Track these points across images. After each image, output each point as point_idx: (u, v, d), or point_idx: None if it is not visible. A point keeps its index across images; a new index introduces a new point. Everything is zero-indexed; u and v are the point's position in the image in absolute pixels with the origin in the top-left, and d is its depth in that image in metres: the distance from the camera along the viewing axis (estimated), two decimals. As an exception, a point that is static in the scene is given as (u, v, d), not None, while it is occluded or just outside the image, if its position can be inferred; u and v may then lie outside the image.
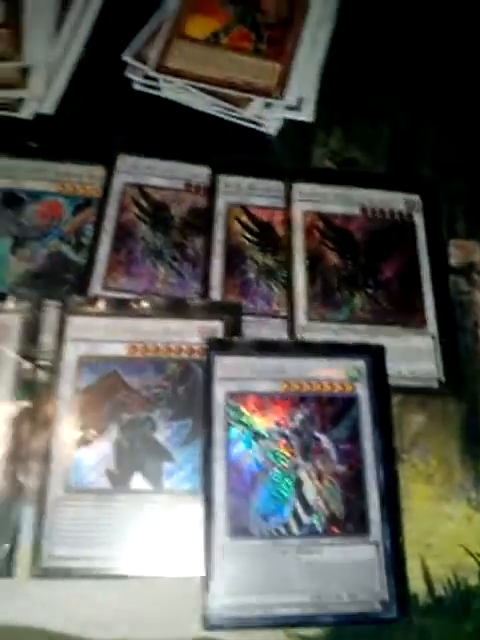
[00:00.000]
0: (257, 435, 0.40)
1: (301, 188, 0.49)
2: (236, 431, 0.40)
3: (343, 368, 0.42)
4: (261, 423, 0.40)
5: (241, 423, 0.40)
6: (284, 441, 0.40)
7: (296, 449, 0.40)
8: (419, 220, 0.49)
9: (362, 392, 0.42)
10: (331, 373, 0.42)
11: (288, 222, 0.48)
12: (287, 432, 0.40)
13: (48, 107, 0.53)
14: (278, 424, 0.40)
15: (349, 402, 0.41)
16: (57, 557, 0.37)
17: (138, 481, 0.39)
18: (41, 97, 0.53)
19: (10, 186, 0.49)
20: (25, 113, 0.53)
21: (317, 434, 0.40)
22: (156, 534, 0.38)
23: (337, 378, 0.42)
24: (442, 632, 0.37)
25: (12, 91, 0.53)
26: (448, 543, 0.40)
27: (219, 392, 0.40)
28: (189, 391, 0.41)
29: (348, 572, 0.37)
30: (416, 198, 0.50)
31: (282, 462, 0.39)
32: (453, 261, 0.49)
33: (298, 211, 0.48)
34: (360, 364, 0.42)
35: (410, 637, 0.37)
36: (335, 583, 0.37)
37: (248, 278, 0.46)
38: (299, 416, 0.40)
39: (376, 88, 0.56)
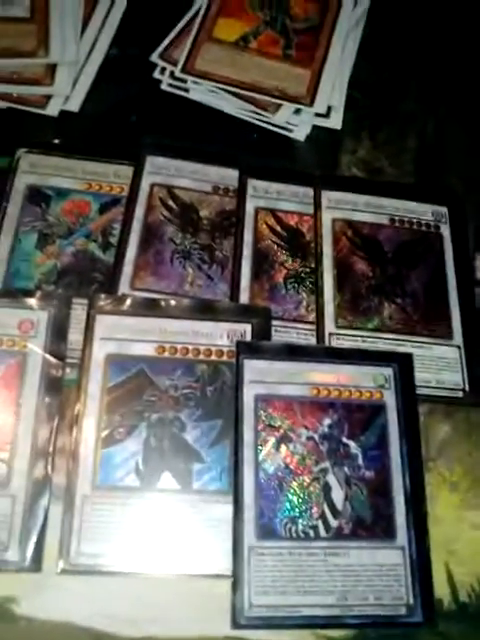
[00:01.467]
0: (286, 438, 0.42)
1: (330, 195, 0.52)
2: (265, 434, 0.42)
3: (371, 375, 0.44)
4: (290, 426, 0.42)
5: (270, 426, 0.42)
6: (313, 445, 0.42)
7: (324, 454, 0.42)
8: (446, 232, 0.52)
9: (390, 400, 0.44)
10: (360, 380, 0.44)
11: (316, 229, 0.50)
12: (316, 437, 0.42)
13: (74, 105, 0.56)
14: (307, 428, 0.43)
15: (377, 409, 0.44)
16: (84, 554, 0.39)
17: (167, 480, 0.41)
18: (67, 94, 0.56)
19: (36, 183, 0.51)
20: (51, 110, 0.55)
21: (345, 440, 0.43)
22: (184, 533, 0.40)
23: (365, 385, 0.44)
24: (466, 638, 0.40)
25: (38, 88, 0.56)
26: (472, 550, 0.42)
27: (248, 395, 0.43)
28: (218, 392, 0.44)
29: (374, 575, 0.40)
30: (444, 210, 0.53)
31: (311, 466, 0.42)
32: (478, 274, 0.52)
33: (327, 218, 0.51)
34: (388, 372, 0.45)
35: (435, 642, 0.40)
36: (361, 585, 0.39)
37: (276, 282, 0.49)
38: (327, 421, 0.43)
39: (404, 96, 0.59)
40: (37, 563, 0.39)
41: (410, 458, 0.43)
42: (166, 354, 0.44)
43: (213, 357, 0.44)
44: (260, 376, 0.43)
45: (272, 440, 0.42)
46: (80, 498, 0.40)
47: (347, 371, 0.44)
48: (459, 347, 0.48)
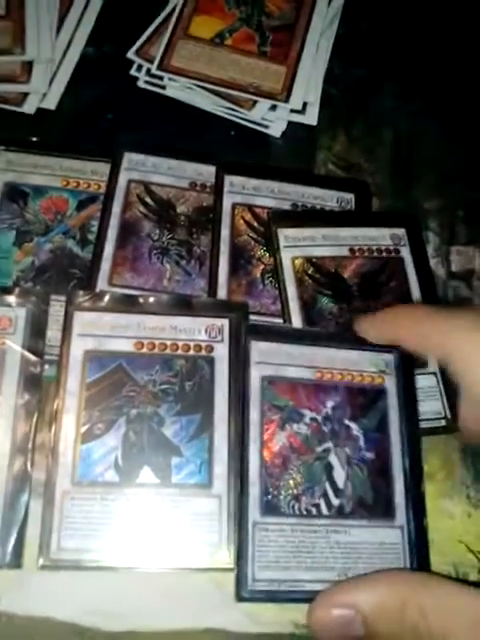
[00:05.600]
0: (290, 419, 0.42)
1: (286, 233, 0.50)
2: (270, 414, 0.42)
3: (373, 360, 0.45)
4: (294, 407, 0.43)
5: (276, 406, 0.42)
6: (316, 426, 0.43)
7: (327, 435, 0.42)
8: (406, 254, 0.50)
9: (390, 385, 0.44)
10: (362, 365, 0.44)
11: (277, 272, 0.48)
12: (319, 418, 0.43)
13: (51, 102, 0.55)
14: (310, 409, 0.43)
15: (378, 393, 0.44)
16: (65, 549, 0.39)
17: (146, 475, 0.41)
18: (44, 92, 0.55)
19: (14, 180, 0.50)
20: (27, 108, 0.55)
21: (347, 422, 0.43)
22: (165, 527, 0.40)
23: (367, 370, 0.44)
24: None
25: (15, 85, 0.55)
26: (449, 540, 0.42)
27: (255, 375, 0.43)
28: (196, 387, 0.43)
29: (374, 553, 0.40)
30: (402, 232, 0.51)
31: (314, 446, 0.42)
32: (453, 267, 0.52)
33: (286, 258, 0.49)
34: (388, 357, 0.45)
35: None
36: (362, 563, 0.40)
37: (254, 278, 0.49)
38: (331, 403, 0.43)
39: (379, 92, 0.59)
40: (17, 559, 0.38)
41: (409, 441, 0.43)
42: (144, 350, 0.44)
43: (191, 352, 0.44)
44: (267, 358, 0.43)
45: (277, 420, 0.42)
46: (60, 494, 0.40)
47: (350, 356, 0.44)
48: (435, 374, 0.47)
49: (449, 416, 0.45)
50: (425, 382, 0.46)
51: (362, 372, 0.44)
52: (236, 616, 0.39)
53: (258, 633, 0.39)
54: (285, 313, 0.47)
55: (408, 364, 0.45)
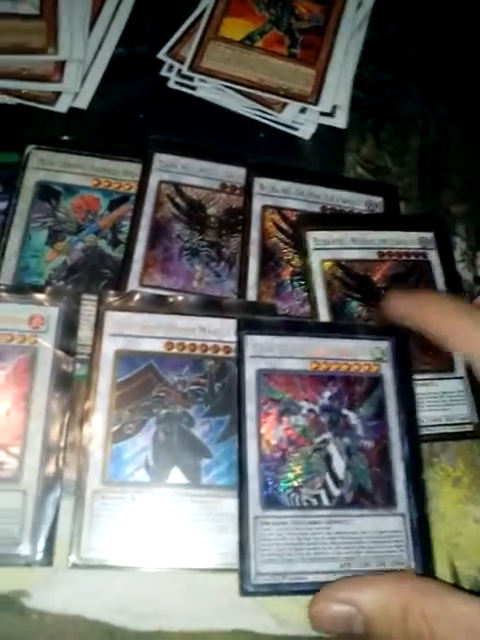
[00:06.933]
0: (287, 411, 0.42)
1: (316, 235, 0.49)
2: (267, 407, 0.42)
3: (369, 349, 0.44)
4: (291, 399, 0.42)
5: (272, 399, 0.42)
6: (313, 417, 0.42)
7: (325, 425, 0.42)
8: (434, 258, 0.49)
9: (387, 372, 0.44)
10: (357, 353, 0.44)
11: (306, 276, 0.48)
12: (316, 409, 0.42)
13: (82, 102, 0.55)
14: (307, 400, 0.42)
15: (374, 381, 0.43)
16: (95, 548, 0.38)
17: (176, 475, 0.41)
18: (76, 91, 0.55)
19: (46, 179, 0.50)
20: (60, 107, 0.54)
21: (345, 411, 0.42)
22: (194, 528, 0.39)
23: (363, 358, 0.44)
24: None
25: (48, 84, 0.55)
26: (475, 544, 0.42)
27: (250, 370, 0.42)
28: (226, 388, 0.43)
29: (376, 541, 0.39)
30: (430, 235, 0.50)
31: (312, 437, 0.42)
32: None
33: (315, 261, 0.48)
34: (384, 345, 0.44)
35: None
36: (364, 552, 0.39)
37: (283, 280, 0.48)
38: (327, 393, 0.43)
39: (406, 97, 0.58)
40: (48, 557, 0.38)
41: (408, 428, 0.42)
42: (174, 350, 0.43)
43: (220, 353, 0.44)
44: (261, 351, 0.43)
45: (274, 413, 0.42)
46: (90, 493, 0.40)
47: (345, 345, 0.44)
48: (462, 378, 0.46)
49: (477, 421, 0.45)
50: (452, 386, 0.46)
51: (357, 361, 0.44)
52: (263, 618, 0.39)
53: (285, 635, 0.38)
54: (314, 315, 0.47)
55: (404, 351, 0.44)
